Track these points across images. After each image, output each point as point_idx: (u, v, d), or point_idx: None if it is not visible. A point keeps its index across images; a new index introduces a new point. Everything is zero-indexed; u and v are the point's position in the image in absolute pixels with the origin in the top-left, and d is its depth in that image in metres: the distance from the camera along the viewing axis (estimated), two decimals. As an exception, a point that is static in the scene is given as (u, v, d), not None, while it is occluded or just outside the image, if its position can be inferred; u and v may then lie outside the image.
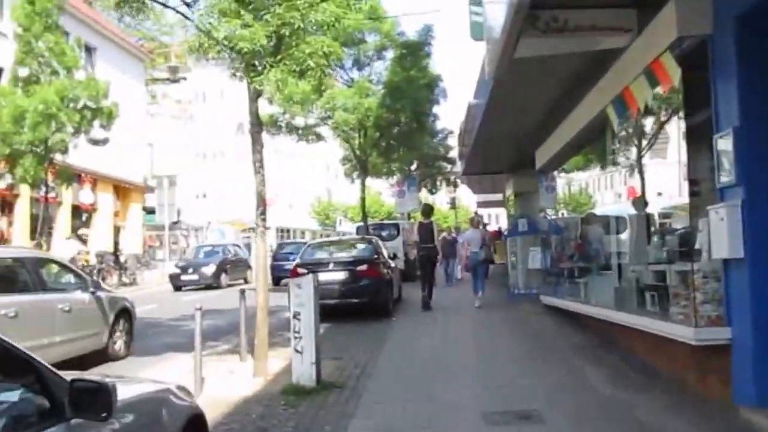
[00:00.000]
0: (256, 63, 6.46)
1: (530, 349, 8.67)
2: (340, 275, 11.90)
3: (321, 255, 13.04)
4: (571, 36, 6.62)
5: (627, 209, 9.32)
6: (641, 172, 8.82)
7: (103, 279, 20.27)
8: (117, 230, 29.19)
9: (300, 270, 11.69)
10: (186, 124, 46.92)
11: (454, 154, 28.69)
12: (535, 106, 9.88)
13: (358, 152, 18.73)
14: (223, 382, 7.06)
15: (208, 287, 21.36)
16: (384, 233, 20.95)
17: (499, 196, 30.59)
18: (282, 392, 6.45)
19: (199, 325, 6.41)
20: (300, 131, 17.72)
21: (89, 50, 26.79)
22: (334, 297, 11.43)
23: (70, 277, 8.58)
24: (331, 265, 12.17)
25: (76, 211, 25.80)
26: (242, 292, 8.19)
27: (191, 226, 53.17)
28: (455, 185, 34.99)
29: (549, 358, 7.86)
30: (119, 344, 8.96)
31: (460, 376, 7.14)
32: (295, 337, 6.48)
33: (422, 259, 14.00)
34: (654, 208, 8.73)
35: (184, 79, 52.97)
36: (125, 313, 9.18)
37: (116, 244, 27.85)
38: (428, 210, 15.13)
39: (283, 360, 7.77)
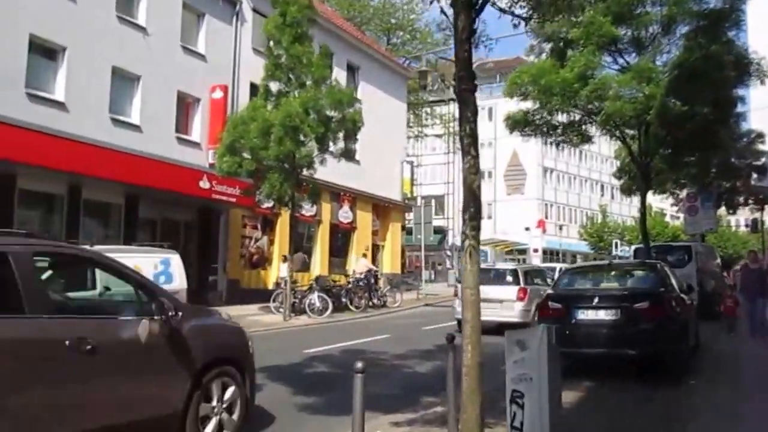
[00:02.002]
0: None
1: None
2: (610, 314, 8.49)
3: (582, 285, 9.67)
4: None
5: None
6: None
7: (350, 301, 19.36)
8: (375, 249, 28.87)
9: (552, 305, 8.71)
10: (451, 143, 46.32)
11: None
12: None
13: (638, 157, 14.92)
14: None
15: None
16: (671, 258, 16.61)
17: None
18: None
19: (360, 393, 3.94)
20: (560, 130, 14.61)
21: (352, 69, 27.00)
22: (599, 345, 8.17)
23: None
24: (596, 300, 8.72)
25: (335, 229, 25.86)
26: (450, 339, 5.48)
27: (456, 246, 52.39)
28: (762, 202, 28.65)
29: None
30: None
31: None
32: (513, 435, 3.67)
33: None
34: None
35: (453, 100, 52.70)
36: None
37: (374, 263, 27.43)
38: None
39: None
